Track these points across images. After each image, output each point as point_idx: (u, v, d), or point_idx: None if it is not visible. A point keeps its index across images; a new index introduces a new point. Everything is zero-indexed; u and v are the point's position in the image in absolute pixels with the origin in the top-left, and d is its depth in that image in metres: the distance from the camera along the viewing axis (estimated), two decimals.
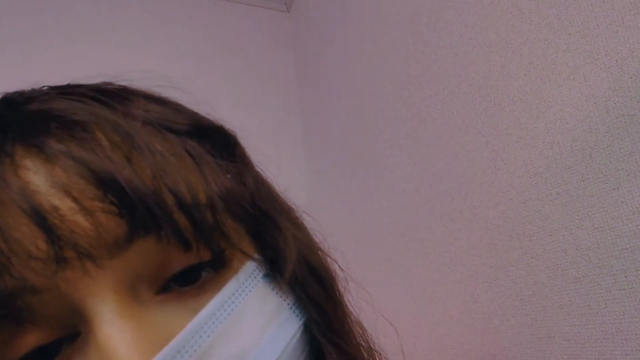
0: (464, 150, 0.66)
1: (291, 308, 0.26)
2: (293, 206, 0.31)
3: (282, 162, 1.27)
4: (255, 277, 0.25)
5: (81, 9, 1.19)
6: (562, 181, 0.51)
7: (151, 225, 0.21)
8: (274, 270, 0.26)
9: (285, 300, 0.26)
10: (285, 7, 1.46)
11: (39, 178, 0.20)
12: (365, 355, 0.30)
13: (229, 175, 0.25)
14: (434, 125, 0.74)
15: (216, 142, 0.27)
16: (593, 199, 0.47)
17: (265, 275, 0.26)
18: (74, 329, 0.21)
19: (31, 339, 0.20)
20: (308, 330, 0.27)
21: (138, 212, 0.20)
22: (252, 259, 0.25)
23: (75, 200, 0.20)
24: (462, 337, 0.66)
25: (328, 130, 1.16)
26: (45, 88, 0.26)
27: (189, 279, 0.23)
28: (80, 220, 0.20)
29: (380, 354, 0.32)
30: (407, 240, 0.81)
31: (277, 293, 0.26)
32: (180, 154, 0.24)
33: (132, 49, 1.21)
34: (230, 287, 0.23)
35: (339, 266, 0.31)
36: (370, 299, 0.38)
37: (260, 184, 0.28)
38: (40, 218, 0.19)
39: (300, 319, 0.26)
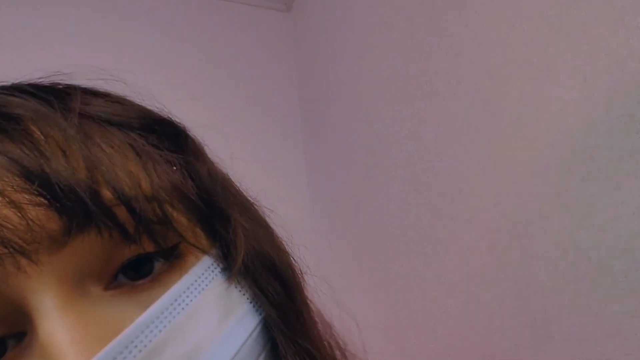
0: (464, 150, 0.66)
1: (251, 302, 0.25)
2: (252, 200, 0.31)
3: (281, 159, 1.28)
4: (212, 271, 0.24)
5: (77, 8, 1.19)
6: (562, 181, 0.51)
7: (87, 218, 0.20)
8: (230, 264, 0.25)
9: (244, 295, 0.25)
10: (285, 7, 1.46)
11: None
12: (332, 353, 0.30)
13: (175, 168, 0.25)
14: (434, 125, 0.74)
15: (163, 134, 0.26)
16: (593, 199, 0.47)
17: (224, 270, 0.25)
18: (21, 328, 0.20)
19: None
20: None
21: (71, 205, 0.20)
22: (207, 252, 0.25)
23: (1, 193, 0.19)
24: (462, 337, 0.66)
25: (327, 129, 1.16)
26: None
27: (141, 272, 0.22)
28: (9, 214, 0.19)
29: (351, 354, 0.32)
30: (407, 240, 0.81)
31: (235, 287, 0.25)
32: (120, 147, 0.23)
33: (132, 49, 1.21)
34: (185, 281, 0.23)
35: (295, 261, 0.30)
36: (333, 292, 0.38)
37: (214, 176, 0.28)
38: None
39: (261, 314, 0.26)
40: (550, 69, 0.53)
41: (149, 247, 0.22)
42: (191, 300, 0.23)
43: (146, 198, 0.22)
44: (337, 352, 0.31)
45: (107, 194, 0.21)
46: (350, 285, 1.03)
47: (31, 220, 0.19)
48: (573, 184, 0.49)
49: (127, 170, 0.22)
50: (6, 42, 1.10)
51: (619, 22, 0.45)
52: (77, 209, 0.20)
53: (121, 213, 0.21)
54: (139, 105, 0.27)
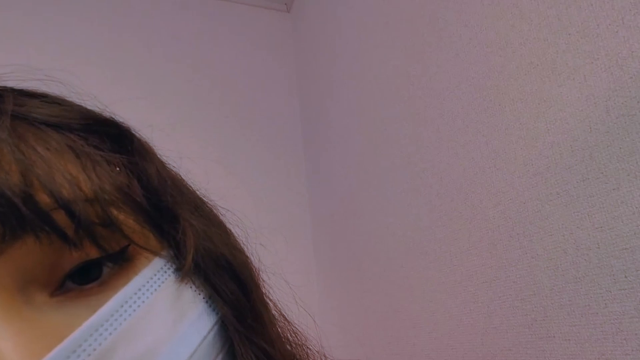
0: (464, 150, 0.66)
1: (207, 302, 0.25)
2: (205, 199, 0.30)
3: (281, 159, 1.28)
4: (164, 273, 0.24)
5: (76, 8, 1.19)
6: (562, 181, 0.51)
7: (21, 224, 0.19)
8: (182, 264, 0.25)
9: (199, 295, 0.25)
10: (285, 7, 1.46)
11: None
12: (292, 351, 0.29)
13: (118, 169, 0.24)
14: (434, 125, 0.74)
15: (105, 135, 0.26)
16: (593, 199, 0.47)
17: (177, 270, 0.25)
18: None
19: None
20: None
21: (2, 211, 0.19)
22: (158, 254, 0.24)
23: None
24: (462, 337, 0.66)
25: (327, 128, 1.16)
26: None
27: (90, 277, 0.22)
28: None
29: (314, 351, 0.31)
30: (408, 240, 0.81)
31: (190, 287, 0.25)
32: (58, 149, 0.22)
33: (132, 50, 1.21)
34: (135, 283, 0.22)
35: (250, 259, 0.30)
36: (292, 291, 0.37)
37: (163, 176, 0.27)
38: None
39: (218, 314, 0.25)
40: (550, 69, 0.53)
41: (94, 252, 0.21)
42: (143, 302, 0.22)
43: (87, 200, 0.21)
44: (299, 349, 0.30)
45: (43, 198, 0.20)
46: (351, 286, 1.03)
47: None
48: (573, 184, 0.49)
49: (65, 173, 0.21)
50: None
51: (619, 22, 0.45)
52: (9, 215, 0.19)
53: (60, 217, 0.20)
54: (78, 106, 0.26)
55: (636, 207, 0.43)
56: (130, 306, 0.21)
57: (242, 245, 0.30)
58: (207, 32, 1.33)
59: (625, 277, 0.44)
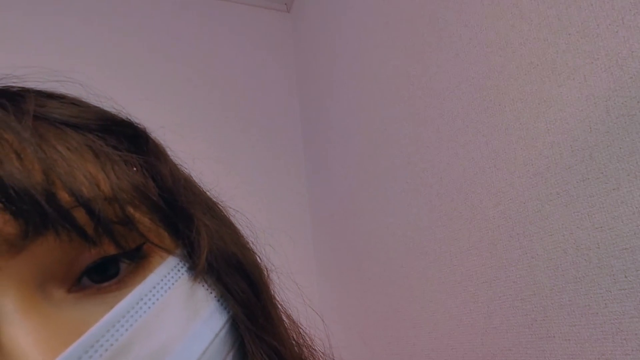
0: (464, 150, 0.66)
1: (218, 301, 0.26)
2: (216, 200, 0.31)
3: (281, 159, 1.27)
4: (178, 271, 0.24)
5: (80, 6, 1.19)
6: (562, 181, 0.51)
7: (44, 221, 0.20)
8: (195, 262, 0.25)
9: (211, 293, 0.26)
10: (285, 7, 1.46)
11: None
12: (300, 351, 0.30)
13: (135, 169, 0.25)
14: (434, 125, 0.74)
15: (122, 136, 0.26)
16: (593, 199, 0.47)
17: (189, 269, 0.25)
18: None
19: None
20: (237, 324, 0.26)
21: (26, 208, 0.19)
22: (172, 252, 0.25)
23: None
24: (462, 337, 0.66)
25: (327, 128, 1.17)
26: None
27: (107, 275, 0.22)
28: None
29: (320, 352, 0.32)
30: (407, 240, 0.81)
31: (203, 286, 0.25)
32: (78, 148, 0.23)
33: (132, 50, 1.21)
34: (150, 281, 0.23)
35: (260, 259, 0.30)
36: (300, 291, 0.38)
37: (176, 177, 0.28)
38: None
39: (229, 312, 0.26)
40: (550, 69, 0.53)
41: (112, 249, 0.22)
42: (157, 299, 0.23)
43: (106, 199, 0.22)
44: (305, 351, 0.31)
45: (64, 196, 0.20)
46: (351, 286, 1.03)
47: None
48: (573, 184, 0.49)
49: (85, 172, 0.22)
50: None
51: (619, 22, 0.45)
52: (33, 212, 0.19)
53: (80, 215, 0.20)
54: (96, 107, 0.27)
55: (636, 207, 0.43)
56: (145, 303, 0.22)
57: (252, 245, 0.30)
58: (207, 32, 1.33)
59: (625, 277, 0.44)
